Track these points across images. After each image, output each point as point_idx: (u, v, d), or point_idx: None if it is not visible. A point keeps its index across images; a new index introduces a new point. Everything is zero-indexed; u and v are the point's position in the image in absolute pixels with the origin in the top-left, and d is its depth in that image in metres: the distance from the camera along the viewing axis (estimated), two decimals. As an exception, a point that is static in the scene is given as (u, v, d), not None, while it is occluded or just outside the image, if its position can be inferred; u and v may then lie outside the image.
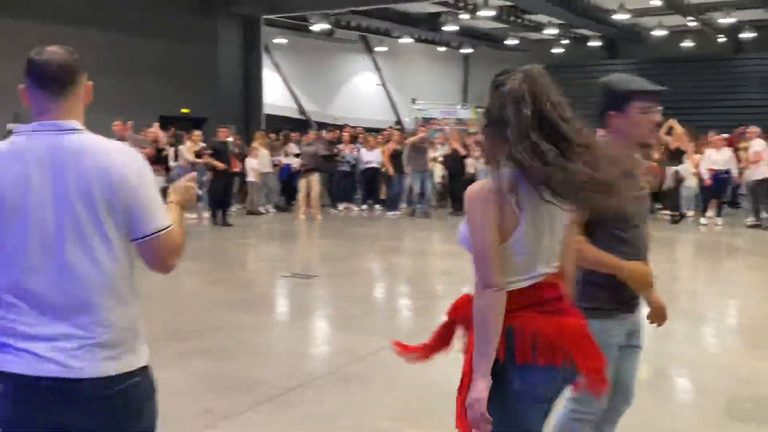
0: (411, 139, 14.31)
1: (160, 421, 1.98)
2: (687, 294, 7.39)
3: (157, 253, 1.86)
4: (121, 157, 1.84)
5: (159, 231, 1.84)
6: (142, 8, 16.09)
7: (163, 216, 1.86)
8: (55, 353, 1.77)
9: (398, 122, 24.29)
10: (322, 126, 18.89)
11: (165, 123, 14.49)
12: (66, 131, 1.83)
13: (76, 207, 1.78)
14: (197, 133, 13.21)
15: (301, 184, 13.28)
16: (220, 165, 12.06)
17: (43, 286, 1.78)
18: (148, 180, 1.86)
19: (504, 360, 2.00)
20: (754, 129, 12.73)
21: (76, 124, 1.85)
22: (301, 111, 22.42)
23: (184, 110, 17.18)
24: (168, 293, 6.45)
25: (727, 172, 12.59)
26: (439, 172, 15.26)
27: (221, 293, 7.02)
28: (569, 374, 2.06)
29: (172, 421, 2.78)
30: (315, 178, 13.25)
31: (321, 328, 6.11)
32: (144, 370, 1.89)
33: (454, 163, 14.49)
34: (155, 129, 12.94)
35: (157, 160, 11.81)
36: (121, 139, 10.79)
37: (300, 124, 20.34)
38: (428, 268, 9.08)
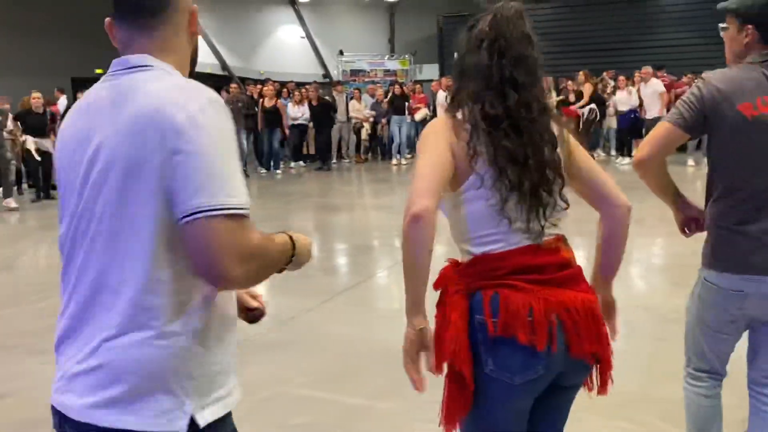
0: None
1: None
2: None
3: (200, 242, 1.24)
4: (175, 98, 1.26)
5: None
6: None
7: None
8: None
9: (326, 75, 23.89)
10: (245, 81, 18.34)
11: (78, 86, 13.85)
12: (131, 69, 1.34)
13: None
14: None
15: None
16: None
17: None
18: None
19: (476, 339, 1.65)
20: (647, 70, 13.03)
21: (152, 60, 1.34)
22: (224, 67, 21.71)
23: (99, 71, 16.38)
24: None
25: (635, 111, 13.28)
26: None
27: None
28: (557, 362, 1.65)
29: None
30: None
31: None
32: None
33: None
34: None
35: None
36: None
37: (224, 81, 19.77)
38: (360, 224, 9.08)
